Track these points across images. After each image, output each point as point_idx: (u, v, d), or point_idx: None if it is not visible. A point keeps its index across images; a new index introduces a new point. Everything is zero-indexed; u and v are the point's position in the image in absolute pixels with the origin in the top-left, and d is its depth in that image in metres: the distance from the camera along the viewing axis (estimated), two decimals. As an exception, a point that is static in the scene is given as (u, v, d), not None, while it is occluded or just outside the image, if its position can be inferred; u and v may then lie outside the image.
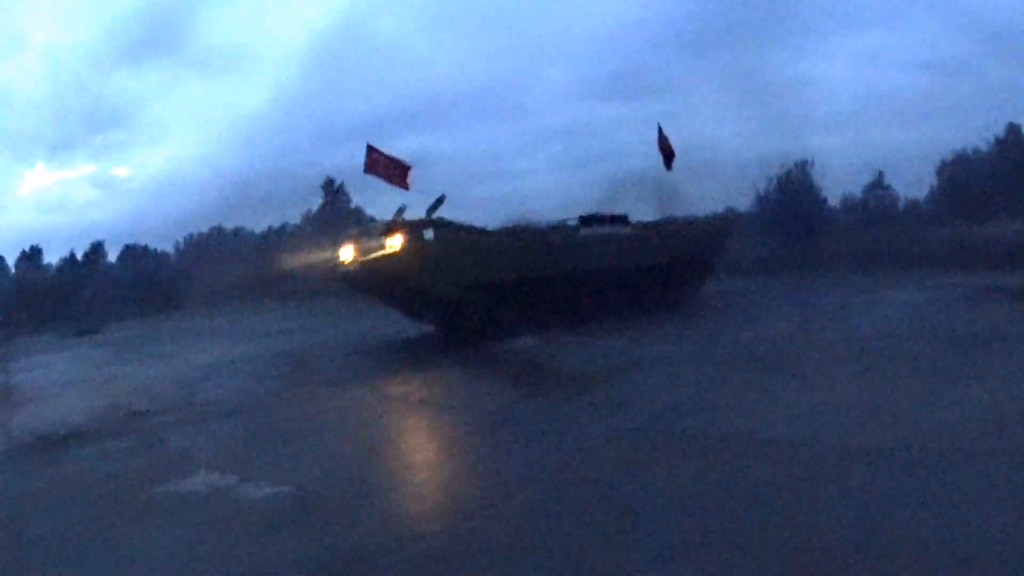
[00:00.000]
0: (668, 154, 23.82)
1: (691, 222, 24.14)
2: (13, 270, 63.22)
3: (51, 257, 61.73)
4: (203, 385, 14.82)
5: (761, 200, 40.39)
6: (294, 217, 52.60)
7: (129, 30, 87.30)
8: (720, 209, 29.87)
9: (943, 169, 41.31)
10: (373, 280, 18.48)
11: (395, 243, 17.71)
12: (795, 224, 37.28)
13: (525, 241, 19.84)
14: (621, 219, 21.77)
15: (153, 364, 19.84)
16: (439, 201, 18.55)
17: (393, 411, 11.59)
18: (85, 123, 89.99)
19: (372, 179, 19.57)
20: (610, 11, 66.80)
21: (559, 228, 20.88)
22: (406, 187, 19.41)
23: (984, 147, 39.84)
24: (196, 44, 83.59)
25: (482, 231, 19.46)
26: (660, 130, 23.99)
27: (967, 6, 56.42)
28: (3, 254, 61.62)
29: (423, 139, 60.79)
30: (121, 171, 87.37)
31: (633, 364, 12.94)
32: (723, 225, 26.66)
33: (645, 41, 68.86)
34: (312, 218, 51.02)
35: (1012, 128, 39.66)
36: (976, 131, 39.64)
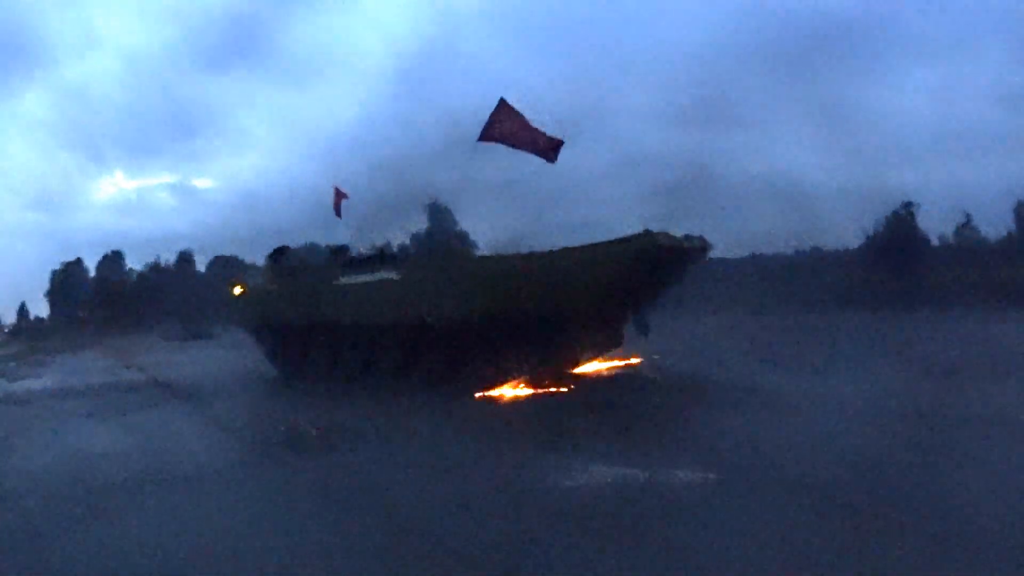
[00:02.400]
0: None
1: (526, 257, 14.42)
2: (93, 272, 63.98)
3: (132, 262, 62.63)
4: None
5: (869, 238, 40.98)
6: (395, 237, 52.09)
7: (213, 36, 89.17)
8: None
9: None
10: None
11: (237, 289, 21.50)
12: (902, 262, 37.42)
13: (292, 287, 18.77)
14: (389, 260, 17.69)
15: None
16: (278, 251, 20.63)
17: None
18: (166, 130, 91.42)
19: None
20: (694, 40, 67.56)
21: (317, 272, 18.95)
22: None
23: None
24: (280, 53, 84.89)
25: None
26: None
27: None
28: (81, 255, 62.57)
29: (506, 161, 61.06)
30: (202, 182, 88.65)
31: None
32: (612, 260, 14.02)
33: (728, 69, 69.50)
34: (419, 240, 50.56)
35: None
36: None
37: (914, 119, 60.69)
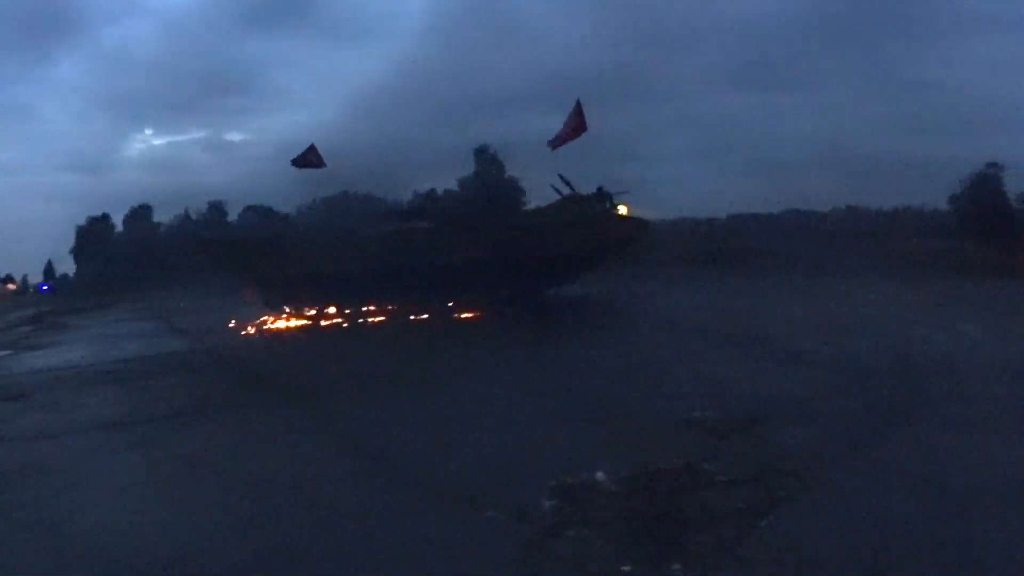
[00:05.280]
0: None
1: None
2: (120, 227, 62.27)
3: (161, 216, 60.76)
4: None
5: (954, 200, 38.06)
6: (440, 184, 50.58)
7: None
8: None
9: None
10: None
11: None
12: (991, 226, 34.64)
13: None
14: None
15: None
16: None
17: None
18: (202, 87, 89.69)
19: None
20: (744, 3, 64.27)
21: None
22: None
23: None
24: (322, 12, 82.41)
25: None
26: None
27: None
28: (110, 212, 60.78)
29: (551, 120, 58.39)
30: (234, 136, 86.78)
31: None
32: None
33: (777, 34, 66.38)
34: (467, 183, 48.49)
35: None
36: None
37: (964, 90, 57.02)
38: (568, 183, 23.24)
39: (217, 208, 56.32)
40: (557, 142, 22.65)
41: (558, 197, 23.74)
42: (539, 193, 52.36)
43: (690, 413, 8.35)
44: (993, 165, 38.24)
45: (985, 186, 37.74)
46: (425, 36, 78.04)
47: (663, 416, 8.33)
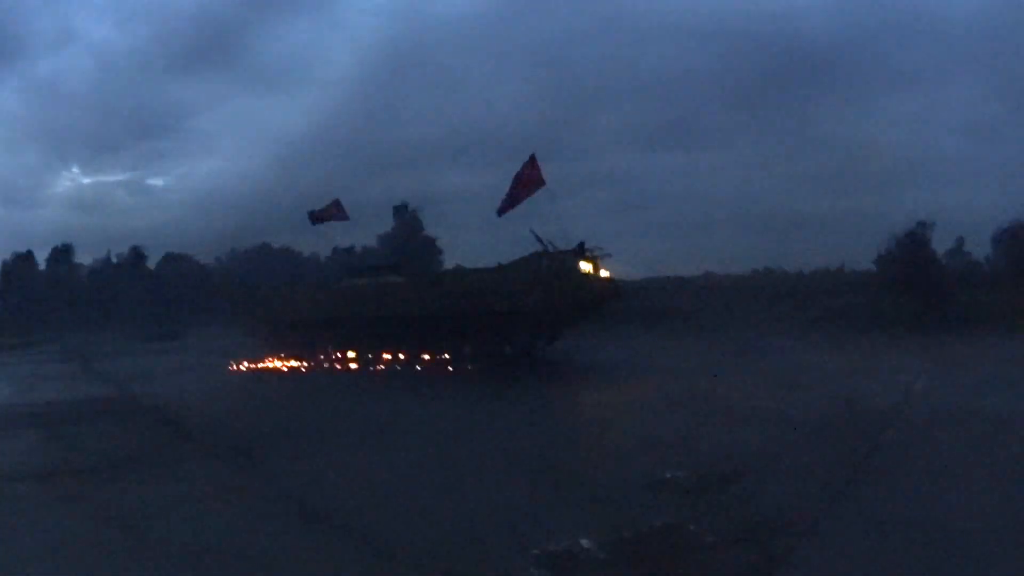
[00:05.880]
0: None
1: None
2: (43, 266, 60.30)
3: (83, 257, 59.05)
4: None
5: (880, 260, 39.33)
6: (359, 240, 51.09)
7: (184, 38, 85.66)
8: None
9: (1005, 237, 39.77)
10: None
11: None
12: (920, 282, 35.73)
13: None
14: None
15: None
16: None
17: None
18: (129, 128, 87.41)
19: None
20: (661, 63, 65.83)
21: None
22: None
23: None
24: (249, 59, 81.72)
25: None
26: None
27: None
28: (33, 249, 58.75)
29: (468, 175, 59.06)
30: (157, 181, 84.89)
31: None
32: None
33: (694, 94, 68.13)
34: (386, 241, 49.06)
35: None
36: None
37: (886, 146, 59.39)
38: (540, 239, 22.12)
39: (138, 254, 55.23)
40: (507, 205, 22.09)
41: (532, 252, 22.35)
42: (459, 252, 52.90)
43: (660, 473, 8.06)
44: (922, 224, 39.47)
45: (913, 244, 38.89)
46: (348, 87, 77.96)
47: (635, 477, 8.05)
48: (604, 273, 22.63)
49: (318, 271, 48.90)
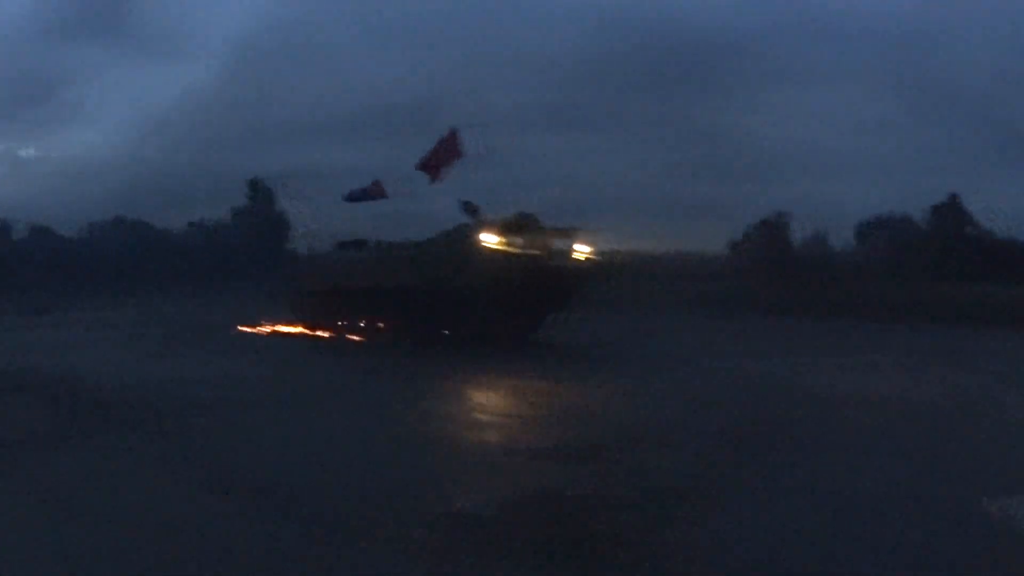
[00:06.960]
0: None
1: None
2: None
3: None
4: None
5: (734, 245, 42.31)
6: (212, 215, 52.62)
7: (62, 4, 79.83)
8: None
9: (868, 230, 43.77)
10: None
11: None
12: (774, 268, 38.35)
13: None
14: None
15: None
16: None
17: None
18: (2, 97, 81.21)
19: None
20: (553, 42, 67.24)
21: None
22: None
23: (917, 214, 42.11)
24: (131, 26, 77.21)
25: None
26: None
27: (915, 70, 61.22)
28: None
29: (348, 150, 58.87)
30: (28, 151, 79.56)
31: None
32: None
33: (583, 76, 69.75)
34: (239, 217, 49.75)
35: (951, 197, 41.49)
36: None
37: (768, 141, 63.12)
38: (475, 210, 20.24)
39: (4, 225, 52.25)
40: (429, 168, 21.33)
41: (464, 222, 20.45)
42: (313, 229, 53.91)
43: (536, 444, 8.65)
44: (780, 213, 42.66)
45: (768, 231, 42.00)
46: (227, 60, 75.25)
47: (513, 447, 8.57)
48: (583, 250, 20.27)
49: (174, 245, 49.47)
